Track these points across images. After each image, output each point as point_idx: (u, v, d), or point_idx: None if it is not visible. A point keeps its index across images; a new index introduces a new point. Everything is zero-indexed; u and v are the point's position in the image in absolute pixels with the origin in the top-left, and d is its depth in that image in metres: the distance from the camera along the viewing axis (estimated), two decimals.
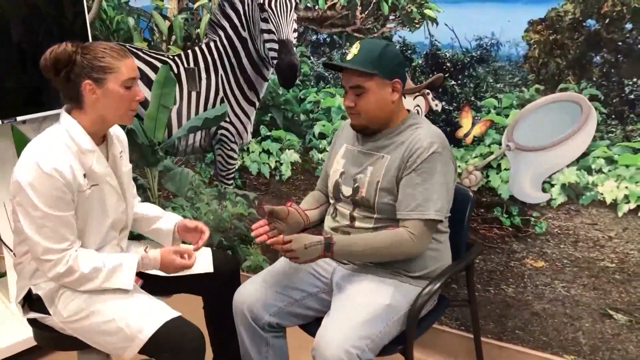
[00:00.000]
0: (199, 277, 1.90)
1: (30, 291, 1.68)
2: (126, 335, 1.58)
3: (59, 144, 1.58)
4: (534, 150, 1.95)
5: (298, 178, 2.54)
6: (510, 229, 2.06)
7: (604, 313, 1.96)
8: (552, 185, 1.95)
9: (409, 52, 2.11)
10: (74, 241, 1.60)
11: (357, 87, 1.67)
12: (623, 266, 1.89)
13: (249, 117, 2.60)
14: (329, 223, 1.85)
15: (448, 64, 2.05)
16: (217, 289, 1.93)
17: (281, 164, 2.56)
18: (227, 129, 2.67)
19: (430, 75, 2.09)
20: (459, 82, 2.04)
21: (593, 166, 1.86)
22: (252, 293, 1.78)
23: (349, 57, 1.68)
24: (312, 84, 2.39)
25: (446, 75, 2.06)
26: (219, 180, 2.78)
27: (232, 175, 2.73)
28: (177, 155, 2.89)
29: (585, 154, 1.87)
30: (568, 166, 1.91)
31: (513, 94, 1.95)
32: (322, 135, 2.41)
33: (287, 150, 2.53)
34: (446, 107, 2.08)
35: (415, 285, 1.73)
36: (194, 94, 2.71)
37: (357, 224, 1.75)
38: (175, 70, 2.72)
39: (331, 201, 1.86)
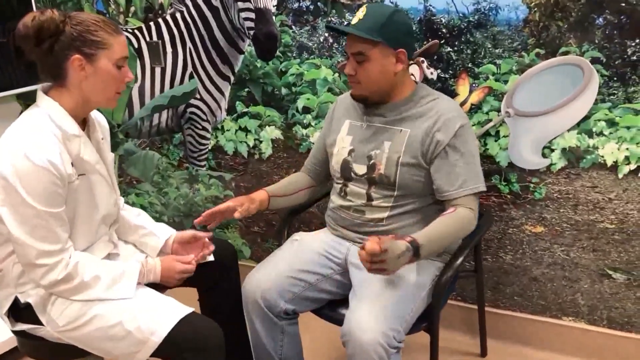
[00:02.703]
0: (196, 269, 1.76)
1: (16, 300, 1.49)
2: (136, 339, 1.43)
3: (45, 131, 1.38)
4: (535, 116, 1.94)
5: (280, 156, 2.41)
6: (509, 196, 2.05)
7: (603, 273, 1.99)
8: (552, 150, 1.95)
9: None
10: (67, 241, 1.42)
11: (359, 54, 1.58)
12: (623, 226, 1.92)
13: (222, 93, 2.43)
14: (338, 201, 1.75)
15: (444, 30, 1.98)
16: (215, 279, 1.79)
17: (261, 142, 2.43)
18: (198, 107, 2.49)
19: (425, 43, 2.02)
20: (456, 48, 1.99)
21: (594, 129, 1.87)
22: (264, 280, 1.67)
23: (353, 21, 1.59)
24: (294, 55, 2.26)
25: (442, 41, 2.00)
26: (189, 162, 2.61)
27: (205, 156, 2.56)
28: (140, 138, 2.68)
29: (586, 117, 1.87)
30: (569, 130, 1.91)
31: (512, 60, 1.92)
32: (307, 110, 2.29)
33: (267, 127, 2.39)
34: (442, 75, 2.03)
35: (434, 260, 1.68)
36: (157, 69, 2.50)
37: (375, 202, 1.67)
38: (136, 45, 2.50)
39: (338, 181, 1.76)
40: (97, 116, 1.60)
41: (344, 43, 2.14)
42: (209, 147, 2.54)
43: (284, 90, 2.31)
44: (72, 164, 1.41)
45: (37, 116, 1.42)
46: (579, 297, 2.06)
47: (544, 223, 2.04)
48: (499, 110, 1.99)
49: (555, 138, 1.93)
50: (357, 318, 1.47)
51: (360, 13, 1.58)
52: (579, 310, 2.07)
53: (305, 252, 1.74)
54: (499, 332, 2.19)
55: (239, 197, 1.74)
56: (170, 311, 1.46)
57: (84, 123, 1.51)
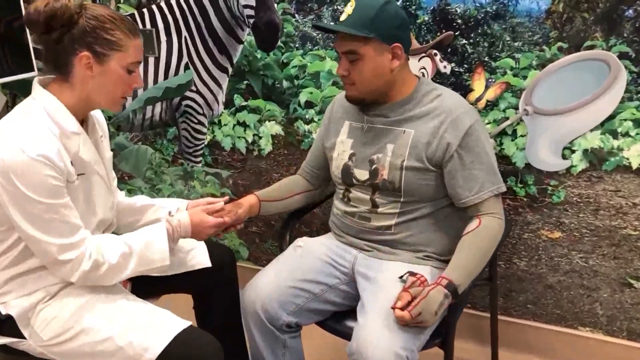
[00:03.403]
0: (190, 274, 1.63)
1: None
2: (128, 356, 1.30)
3: (41, 126, 1.27)
4: (555, 115, 1.81)
5: (280, 153, 2.28)
6: (525, 199, 1.93)
7: (624, 282, 1.88)
8: (573, 151, 1.82)
9: (413, 7, 1.88)
10: (82, 227, 1.31)
11: (350, 53, 1.45)
12: None
13: (220, 86, 2.29)
14: (342, 207, 1.62)
15: (459, 21, 1.85)
16: (212, 285, 1.67)
17: (260, 138, 2.29)
18: (193, 100, 2.35)
19: (438, 34, 1.88)
20: (471, 40, 1.85)
21: (619, 129, 1.74)
22: (265, 290, 1.54)
23: (342, 17, 1.46)
24: (296, 46, 2.12)
25: (456, 33, 1.86)
26: (184, 157, 2.47)
27: (201, 151, 2.42)
28: (133, 131, 2.54)
29: (611, 117, 1.75)
30: (591, 130, 1.78)
31: (532, 54, 1.79)
32: (309, 104, 2.16)
33: (267, 122, 2.26)
34: (456, 69, 1.89)
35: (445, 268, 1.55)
36: (151, 59, 2.36)
37: (380, 209, 1.54)
38: None
39: (340, 186, 1.63)
40: (95, 113, 1.48)
41: None
42: (205, 143, 2.40)
43: (285, 83, 2.17)
44: (71, 163, 1.29)
45: (33, 110, 1.30)
46: (597, 307, 1.94)
47: (562, 228, 1.91)
48: (516, 108, 1.85)
49: (576, 138, 1.81)
50: (367, 335, 1.34)
51: (349, 8, 1.45)
52: (597, 320, 1.95)
53: (309, 260, 1.61)
54: (510, 341, 2.07)
55: (227, 205, 1.60)
56: (165, 326, 1.34)
57: (82, 120, 1.39)
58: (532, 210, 1.93)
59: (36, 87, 1.32)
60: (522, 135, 1.87)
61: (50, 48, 1.28)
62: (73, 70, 1.29)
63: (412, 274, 1.43)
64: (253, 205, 1.63)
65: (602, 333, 1.95)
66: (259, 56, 2.18)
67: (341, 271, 1.60)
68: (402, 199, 1.51)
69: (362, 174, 1.55)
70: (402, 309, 1.33)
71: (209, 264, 1.64)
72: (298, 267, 1.59)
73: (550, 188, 1.89)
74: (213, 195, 2.45)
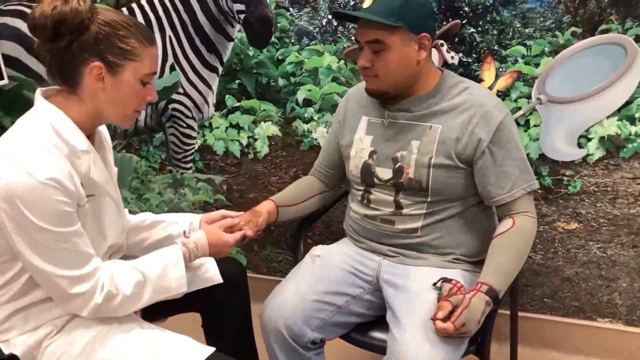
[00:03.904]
0: (200, 290, 1.51)
1: None
2: None
3: (48, 144, 1.13)
4: (570, 102, 1.74)
5: (278, 155, 2.16)
6: (540, 191, 1.86)
7: None
8: (589, 140, 1.77)
9: None
10: (94, 256, 1.18)
11: (375, 43, 1.34)
12: None
13: (209, 86, 2.16)
14: (361, 210, 1.52)
15: (466, 9, 1.76)
16: (223, 301, 1.55)
17: (255, 140, 2.17)
18: (181, 102, 2.21)
19: (444, 23, 1.79)
20: (480, 29, 1.77)
21: (637, 115, 1.70)
22: (286, 306, 1.43)
23: (365, 4, 1.35)
24: (292, 41, 2.00)
25: (464, 22, 1.78)
26: (173, 164, 2.33)
27: (191, 157, 2.29)
28: (115, 139, 2.37)
29: (628, 103, 1.70)
30: (608, 117, 1.73)
31: (545, 40, 1.72)
32: (308, 102, 2.05)
33: (262, 122, 2.13)
34: (464, 60, 1.81)
35: (476, 271, 1.47)
36: None
37: (405, 210, 1.44)
38: None
39: (358, 187, 1.53)
40: (100, 127, 1.34)
41: (350, 27, 1.91)
42: (195, 147, 2.26)
43: (281, 81, 2.06)
44: (81, 184, 1.16)
45: (38, 126, 1.15)
46: (616, 297, 1.90)
47: (579, 219, 1.86)
48: (529, 97, 1.79)
49: (592, 126, 1.75)
50: (406, 350, 1.25)
51: None
52: (617, 310, 1.91)
53: (330, 270, 1.50)
54: (527, 337, 2.01)
55: (244, 215, 1.48)
56: (189, 354, 1.21)
57: (88, 136, 1.25)
58: (547, 202, 1.87)
59: (39, 100, 1.17)
60: (535, 126, 1.81)
61: (57, 57, 1.14)
62: (82, 81, 1.15)
63: (446, 280, 1.35)
64: (271, 212, 1.52)
65: (622, 323, 1.91)
66: (251, 53, 2.06)
67: (365, 280, 1.50)
68: (429, 199, 1.42)
69: (384, 173, 1.45)
70: (443, 319, 1.24)
71: (220, 280, 1.52)
72: (319, 278, 1.49)
73: (565, 178, 1.83)
74: (206, 203, 2.32)
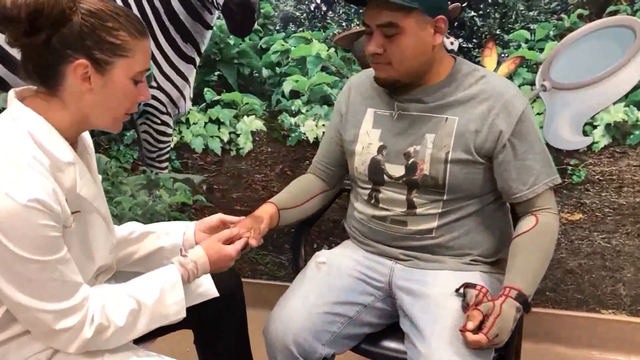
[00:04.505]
0: (193, 306, 1.37)
1: None
2: None
3: (27, 157, 0.95)
4: (576, 89, 1.67)
5: (263, 151, 2.02)
6: None
7: None
8: (595, 127, 1.70)
9: None
10: (83, 284, 1.02)
11: (388, 26, 1.22)
12: None
13: (186, 79, 1.99)
14: (367, 211, 1.40)
15: None
16: (218, 315, 1.41)
17: (238, 135, 2.01)
18: (154, 97, 2.03)
19: None
20: (481, 12, 1.67)
21: None
22: (294, 321, 1.30)
23: None
24: (277, 28, 1.85)
25: (463, 5, 1.68)
26: (147, 164, 2.15)
27: (166, 156, 2.12)
28: None
29: (635, 87, 1.63)
30: (614, 103, 1.66)
31: (549, 23, 1.64)
32: (295, 94, 1.91)
33: (245, 117, 1.98)
34: (464, 45, 1.71)
35: (494, 272, 1.38)
36: None
37: (419, 210, 1.33)
38: None
39: (365, 185, 1.41)
40: (83, 134, 1.16)
41: (341, 11, 1.78)
42: (171, 146, 2.10)
43: (265, 72, 1.91)
44: (66, 201, 0.99)
45: (14, 135, 0.97)
46: (620, 288, 1.85)
47: (583, 209, 1.80)
48: (532, 84, 1.71)
49: (598, 113, 1.68)
50: None
51: None
52: (621, 301, 1.86)
53: (338, 278, 1.38)
54: (529, 331, 1.93)
55: (244, 221, 1.33)
56: None
57: (73, 144, 1.07)
58: None
59: (14, 103, 0.99)
60: (539, 113, 1.73)
61: (34, 54, 0.96)
62: (64, 82, 0.98)
63: (469, 285, 1.24)
64: (273, 216, 1.38)
65: (626, 314, 1.87)
66: (232, 42, 1.90)
67: (375, 287, 1.39)
68: (445, 197, 1.31)
69: (396, 170, 1.33)
70: (473, 331, 1.13)
71: (216, 294, 1.38)
72: (327, 288, 1.36)
73: (570, 168, 1.76)
74: (184, 204, 2.16)
